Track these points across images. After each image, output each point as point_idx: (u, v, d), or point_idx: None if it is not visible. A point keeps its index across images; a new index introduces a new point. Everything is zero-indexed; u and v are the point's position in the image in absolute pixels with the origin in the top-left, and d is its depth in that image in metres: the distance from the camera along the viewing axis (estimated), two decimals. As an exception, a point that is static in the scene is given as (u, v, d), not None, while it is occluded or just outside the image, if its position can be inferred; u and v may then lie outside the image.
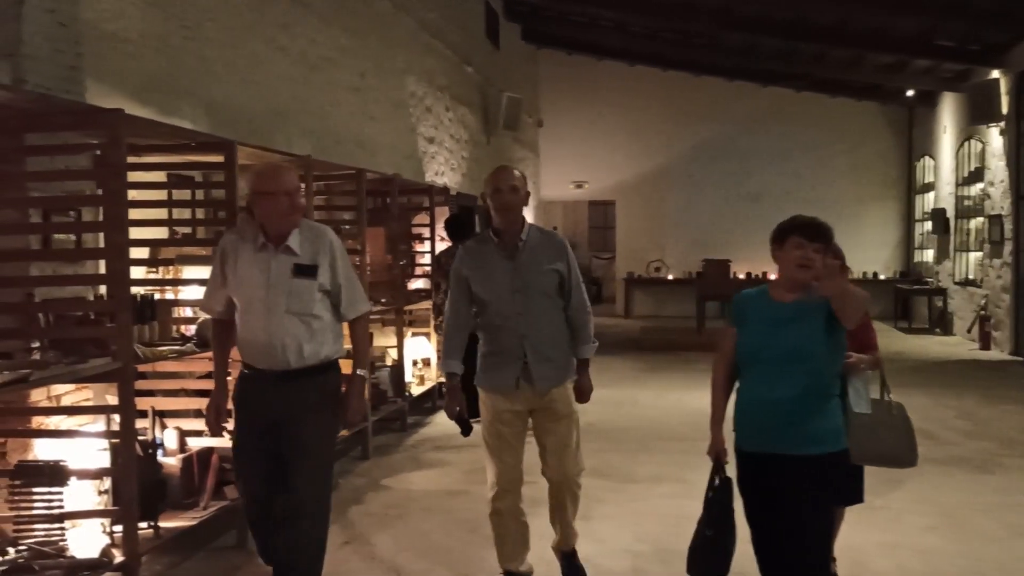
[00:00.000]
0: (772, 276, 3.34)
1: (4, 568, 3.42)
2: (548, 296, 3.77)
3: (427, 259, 8.73)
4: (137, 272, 4.37)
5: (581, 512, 5.09)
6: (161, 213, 4.92)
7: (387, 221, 7.46)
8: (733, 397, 3.23)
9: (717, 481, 3.24)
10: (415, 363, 8.15)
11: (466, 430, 5.89)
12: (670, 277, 17.25)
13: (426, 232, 8.74)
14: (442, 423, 7.82)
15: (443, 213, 8.83)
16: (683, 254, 17.14)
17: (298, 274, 3.45)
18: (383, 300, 7.17)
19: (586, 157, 17.59)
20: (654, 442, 6.91)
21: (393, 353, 7.46)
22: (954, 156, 13.90)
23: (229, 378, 3.76)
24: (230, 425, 3.70)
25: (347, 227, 7.16)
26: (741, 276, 15.79)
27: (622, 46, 15.82)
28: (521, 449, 3.86)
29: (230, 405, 3.67)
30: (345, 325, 3.71)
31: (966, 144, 13.46)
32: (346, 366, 3.73)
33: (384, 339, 7.56)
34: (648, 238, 17.56)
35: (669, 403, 8.52)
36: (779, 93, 16.55)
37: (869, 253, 16.45)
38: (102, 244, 4.15)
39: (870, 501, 4.13)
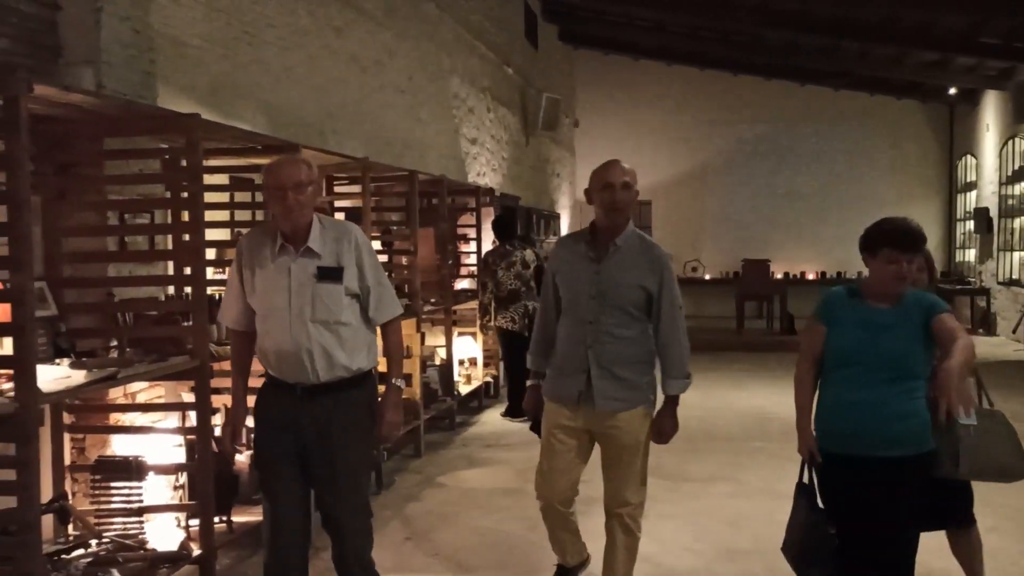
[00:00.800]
0: (810, 276, 3.32)
1: (89, 559, 3.53)
2: (627, 312, 3.40)
3: (473, 260, 8.81)
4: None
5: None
6: (223, 215, 5.03)
7: (436, 222, 7.54)
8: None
9: (811, 479, 3.22)
10: (462, 363, 8.22)
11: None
12: (707, 277, 17.20)
13: (472, 233, 8.82)
14: (490, 421, 7.89)
15: (488, 214, 8.91)
16: (720, 254, 17.07)
17: (322, 278, 3.12)
18: (432, 300, 7.25)
19: (622, 156, 16.90)
20: (703, 442, 6.92)
21: (442, 352, 7.54)
22: (997, 155, 13.74)
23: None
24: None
25: (397, 228, 7.27)
26: (779, 276, 15.72)
27: (660, 45, 15.80)
28: (574, 470, 3.56)
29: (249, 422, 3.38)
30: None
31: (1010, 143, 13.30)
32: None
33: (433, 339, 7.64)
34: (685, 238, 17.49)
35: (715, 403, 8.51)
36: (818, 91, 16.45)
37: (909, 252, 16.30)
38: (171, 246, 4.28)
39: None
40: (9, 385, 2.86)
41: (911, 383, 3.04)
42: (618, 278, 3.39)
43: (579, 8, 15.04)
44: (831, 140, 16.84)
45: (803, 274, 16.51)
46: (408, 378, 6.40)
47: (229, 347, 4.01)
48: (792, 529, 3.30)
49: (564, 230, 16.61)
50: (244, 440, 3.38)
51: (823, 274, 16.47)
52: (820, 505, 3.19)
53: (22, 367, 2.79)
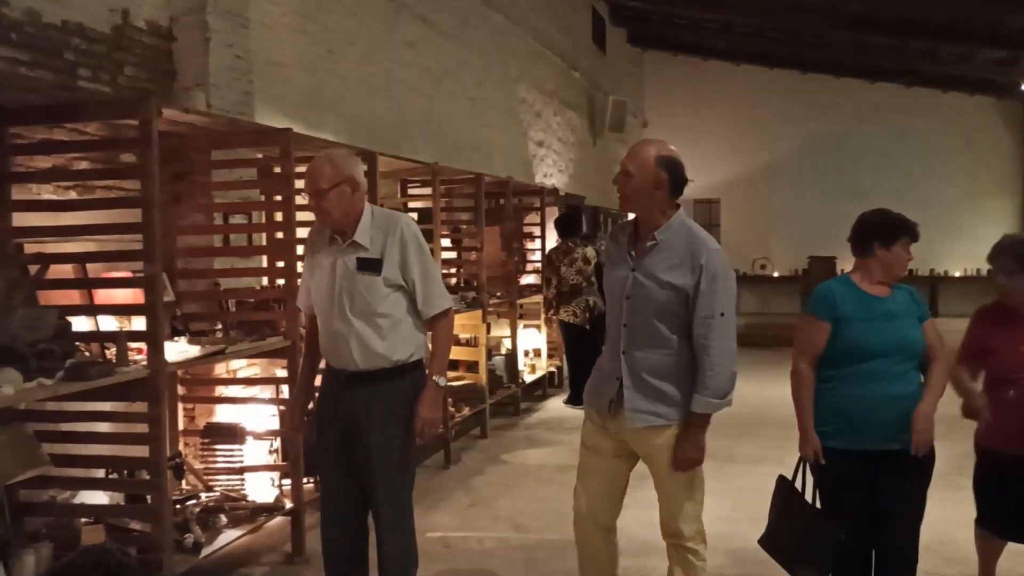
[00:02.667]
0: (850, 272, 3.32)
1: (200, 509, 4.16)
2: (663, 315, 2.99)
3: (537, 256, 9.34)
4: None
5: (682, 485, 5.62)
6: (311, 215, 5.64)
7: (502, 221, 8.08)
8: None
9: (807, 480, 3.21)
10: (526, 353, 8.75)
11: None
12: (775, 275, 17.35)
13: (537, 231, 9.34)
14: (554, 408, 8.41)
15: (553, 213, 9.43)
16: (789, 252, 17.19)
17: (361, 269, 3.15)
18: (498, 294, 7.80)
19: (691, 156, 17.44)
20: (755, 428, 7.30)
21: (507, 343, 8.08)
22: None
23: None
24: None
25: (465, 227, 7.85)
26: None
27: (728, 46, 16.03)
28: (614, 480, 3.22)
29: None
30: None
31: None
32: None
33: (499, 330, 8.19)
34: (753, 236, 17.67)
35: (771, 394, 8.83)
36: (889, 89, 16.43)
37: (983, 251, 16.12)
38: (266, 242, 4.90)
39: (957, 481, 4.46)
40: (142, 356, 3.49)
41: (917, 372, 3.17)
42: (652, 277, 3.00)
43: (647, 12, 15.40)
44: (902, 137, 16.80)
45: (873, 272, 16.50)
46: (475, 365, 6.99)
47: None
48: (780, 525, 3.29)
49: (632, 228, 16.98)
50: (303, 419, 3.48)
51: (893, 272, 16.45)
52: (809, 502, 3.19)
53: (152, 340, 3.41)
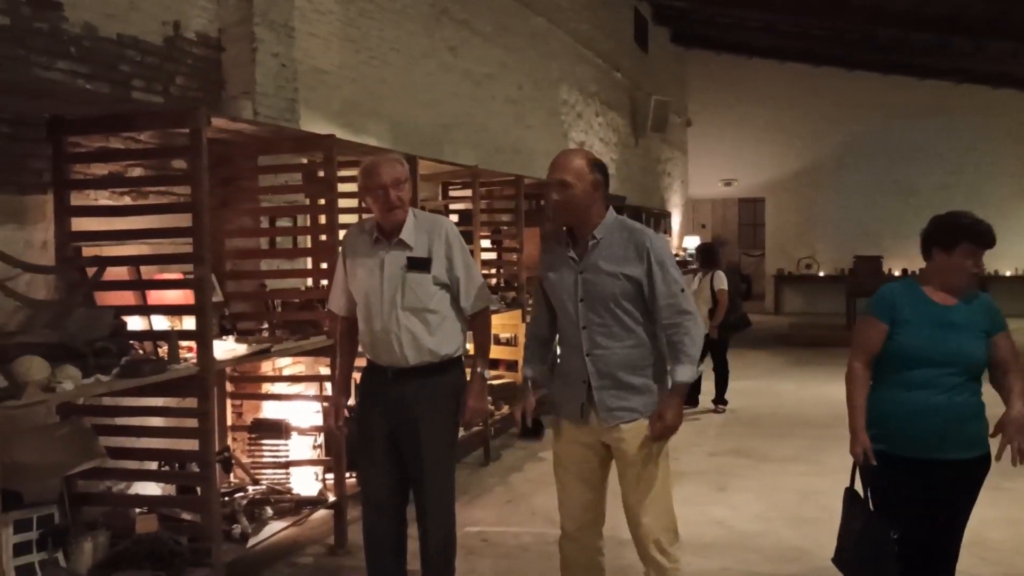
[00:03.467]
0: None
1: (247, 501, 4.33)
2: (620, 308, 3.06)
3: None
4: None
5: (718, 483, 5.71)
6: (353, 218, 5.80)
7: (542, 222, 8.17)
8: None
9: (864, 483, 3.14)
10: (567, 352, 8.81)
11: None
12: (821, 274, 17.19)
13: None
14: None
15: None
16: (834, 251, 17.03)
17: (411, 268, 3.31)
18: (538, 294, 7.90)
19: (735, 155, 17.78)
20: (792, 428, 7.31)
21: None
22: None
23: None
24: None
25: (506, 227, 7.96)
26: (896, 272, 15.57)
27: (772, 44, 15.93)
28: (597, 487, 3.24)
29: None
30: None
31: None
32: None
33: (539, 329, 8.27)
34: (798, 235, 17.55)
35: (810, 394, 8.84)
36: (938, 86, 16.16)
37: (1036, 251, 15.87)
38: (310, 244, 5.07)
39: (998, 483, 4.45)
40: (192, 354, 3.67)
41: (976, 384, 3.06)
42: (601, 272, 3.07)
43: (690, 11, 15.37)
44: (951, 135, 16.54)
45: (921, 271, 16.25)
46: (515, 364, 7.09)
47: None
48: (846, 537, 3.20)
49: (675, 228, 16.99)
50: (344, 419, 3.59)
51: (941, 271, 16.21)
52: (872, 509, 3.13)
53: (202, 339, 3.58)
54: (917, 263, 16.32)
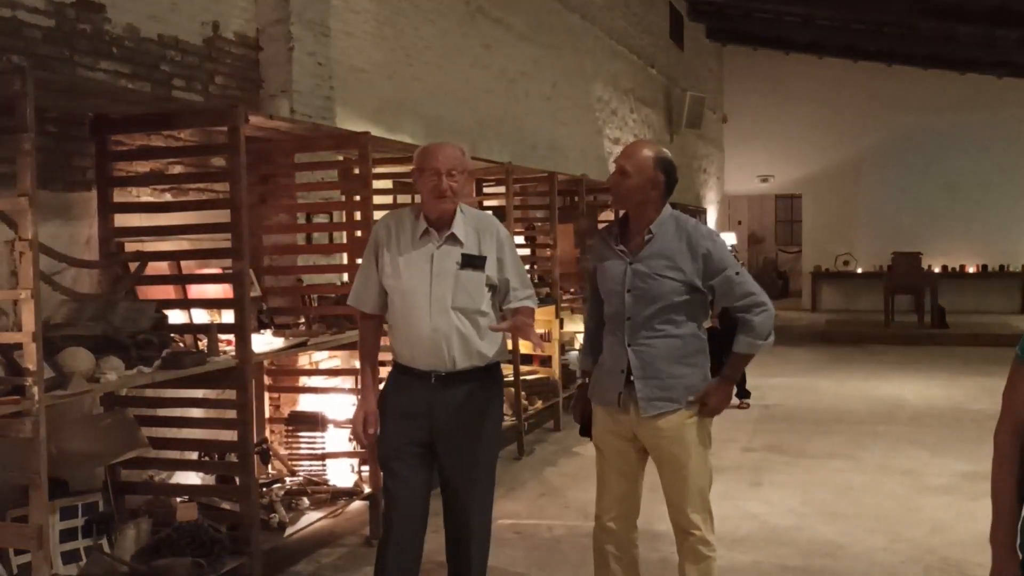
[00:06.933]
0: (970, 269, 2.53)
1: (284, 491, 4.42)
2: (667, 303, 3.06)
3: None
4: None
5: (751, 479, 5.69)
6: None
7: (576, 218, 8.19)
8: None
9: None
10: (601, 348, 8.83)
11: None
12: (859, 271, 16.98)
13: (612, 228, 9.42)
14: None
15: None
16: (873, 247, 16.78)
17: (466, 265, 3.08)
18: (572, 290, 7.93)
19: (772, 151, 17.62)
20: (830, 424, 7.25)
21: (580, 338, 8.18)
22: None
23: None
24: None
25: (540, 224, 8.00)
26: (937, 269, 15.35)
27: (810, 39, 15.77)
28: (633, 478, 3.24)
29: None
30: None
31: None
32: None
33: (572, 325, 8.30)
34: (836, 231, 17.33)
35: (848, 390, 8.76)
36: (980, 80, 15.86)
37: (1082, 248, 15.56)
38: (346, 240, 5.13)
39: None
40: (231, 347, 3.75)
41: None
42: (653, 267, 3.05)
43: (727, 6, 15.27)
44: (993, 130, 16.22)
45: (962, 267, 16.05)
46: (548, 360, 7.14)
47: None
48: None
49: (711, 224, 16.89)
50: (375, 427, 3.24)
51: (984, 267, 15.98)
52: None
53: (240, 332, 3.66)
54: (956, 260, 16.24)
